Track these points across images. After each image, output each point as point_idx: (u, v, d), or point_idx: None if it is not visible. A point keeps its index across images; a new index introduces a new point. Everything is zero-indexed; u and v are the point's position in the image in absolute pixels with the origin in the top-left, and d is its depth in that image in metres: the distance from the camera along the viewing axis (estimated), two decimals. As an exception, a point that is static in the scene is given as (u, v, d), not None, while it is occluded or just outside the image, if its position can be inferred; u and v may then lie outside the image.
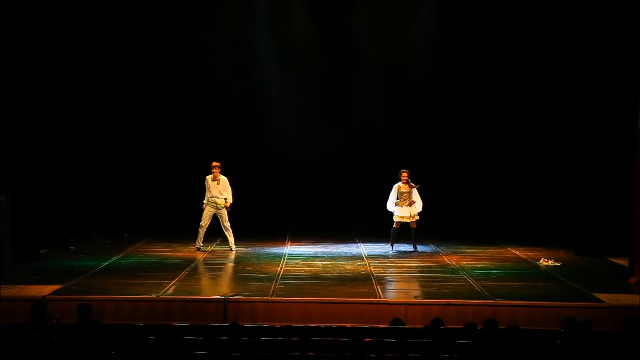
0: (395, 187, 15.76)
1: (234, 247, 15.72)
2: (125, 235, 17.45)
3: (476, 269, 14.11)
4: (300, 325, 9.86)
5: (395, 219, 15.79)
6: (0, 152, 14.46)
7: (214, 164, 15.61)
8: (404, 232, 16.38)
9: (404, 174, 15.73)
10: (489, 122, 18.06)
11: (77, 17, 16.52)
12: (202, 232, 15.66)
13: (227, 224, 15.62)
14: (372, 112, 18.63)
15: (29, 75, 15.00)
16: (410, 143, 18.42)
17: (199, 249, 15.64)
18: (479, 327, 8.77)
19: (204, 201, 15.63)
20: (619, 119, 15.03)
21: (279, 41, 18.54)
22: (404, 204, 15.69)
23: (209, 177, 15.60)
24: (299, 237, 17.23)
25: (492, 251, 16.12)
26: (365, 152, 18.64)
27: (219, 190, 15.52)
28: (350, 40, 18.54)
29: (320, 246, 16.44)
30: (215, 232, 17.30)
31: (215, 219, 15.66)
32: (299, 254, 15.54)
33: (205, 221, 15.60)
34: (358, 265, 14.53)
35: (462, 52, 18.10)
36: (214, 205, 15.54)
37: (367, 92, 18.63)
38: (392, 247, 15.95)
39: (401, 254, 15.73)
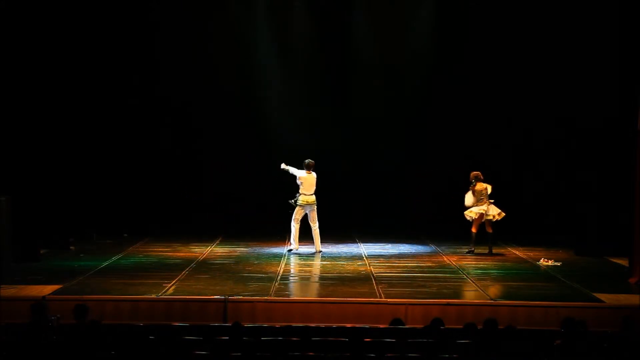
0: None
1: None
2: (125, 235, 17.45)
3: (476, 269, 14.11)
4: (300, 325, 9.86)
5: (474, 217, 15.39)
6: (0, 152, 14.46)
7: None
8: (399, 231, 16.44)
9: (472, 176, 15.41)
10: (489, 122, 18.06)
11: (77, 17, 16.54)
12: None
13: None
14: (372, 112, 18.63)
15: (29, 76, 15.01)
16: (410, 143, 18.45)
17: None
18: (479, 327, 8.77)
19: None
20: (619, 119, 15.03)
21: (279, 41, 18.55)
22: (481, 204, 15.49)
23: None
24: (299, 237, 17.16)
25: (492, 251, 16.09)
26: (365, 152, 18.64)
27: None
28: (350, 40, 18.54)
29: (321, 246, 16.39)
30: (213, 232, 17.34)
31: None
32: (299, 254, 15.53)
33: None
34: (358, 265, 14.52)
35: (463, 52, 18.10)
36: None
37: (367, 92, 18.63)
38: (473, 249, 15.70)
39: (401, 254, 15.72)
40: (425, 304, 11.49)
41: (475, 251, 15.58)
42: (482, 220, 15.45)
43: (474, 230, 15.56)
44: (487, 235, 15.57)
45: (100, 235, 17.11)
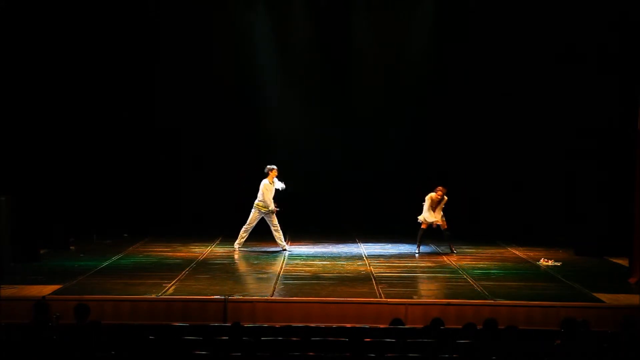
0: (428, 197, 15.52)
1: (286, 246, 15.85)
2: (125, 235, 17.45)
3: (476, 269, 14.11)
4: (300, 325, 9.85)
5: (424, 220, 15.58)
6: (0, 152, 14.46)
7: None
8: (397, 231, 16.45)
9: (441, 192, 15.45)
10: (489, 122, 18.07)
11: (77, 18, 16.52)
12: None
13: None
14: (372, 112, 18.65)
15: (30, 76, 15.00)
16: (410, 142, 18.45)
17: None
18: (479, 327, 8.77)
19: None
20: (619, 119, 15.03)
21: (279, 42, 18.56)
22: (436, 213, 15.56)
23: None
24: (299, 237, 17.22)
25: (492, 251, 16.11)
26: (365, 152, 18.65)
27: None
28: (350, 40, 18.55)
29: (320, 246, 16.43)
30: (213, 232, 17.33)
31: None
32: (299, 254, 15.54)
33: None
34: (358, 265, 14.52)
35: (463, 52, 18.10)
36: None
37: (367, 92, 18.65)
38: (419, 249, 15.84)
39: (401, 254, 15.72)
40: (425, 304, 11.50)
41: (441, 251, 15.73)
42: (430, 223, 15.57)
43: (423, 227, 15.59)
44: (443, 233, 15.60)
45: (100, 235, 17.10)
